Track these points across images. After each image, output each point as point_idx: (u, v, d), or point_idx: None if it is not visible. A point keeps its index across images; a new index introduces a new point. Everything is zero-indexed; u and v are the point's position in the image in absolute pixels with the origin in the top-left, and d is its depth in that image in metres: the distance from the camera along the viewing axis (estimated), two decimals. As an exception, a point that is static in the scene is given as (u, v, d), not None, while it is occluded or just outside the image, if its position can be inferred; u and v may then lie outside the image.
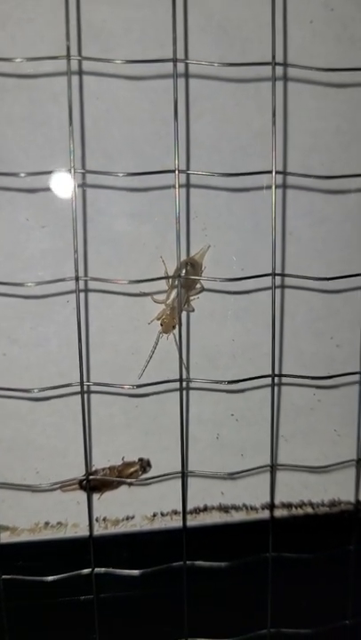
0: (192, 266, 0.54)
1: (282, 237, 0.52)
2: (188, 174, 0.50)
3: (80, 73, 0.49)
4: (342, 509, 0.56)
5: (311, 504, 0.56)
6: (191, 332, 0.55)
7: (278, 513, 0.56)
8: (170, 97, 0.37)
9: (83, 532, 0.53)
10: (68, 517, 0.53)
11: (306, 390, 0.55)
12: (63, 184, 0.50)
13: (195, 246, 0.53)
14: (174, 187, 0.38)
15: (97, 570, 0.44)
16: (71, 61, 0.36)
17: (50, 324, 0.52)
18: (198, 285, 0.55)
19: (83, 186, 0.49)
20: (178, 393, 0.54)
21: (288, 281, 0.54)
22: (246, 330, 0.55)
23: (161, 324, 0.54)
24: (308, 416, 0.56)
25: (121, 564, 0.47)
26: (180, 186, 0.40)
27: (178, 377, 0.54)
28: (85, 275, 0.50)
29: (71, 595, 0.52)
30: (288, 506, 0.56)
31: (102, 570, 0.45)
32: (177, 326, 0.55)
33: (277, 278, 0.53)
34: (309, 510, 0.56)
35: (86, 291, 0.52)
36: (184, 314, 0.54)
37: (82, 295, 0.53)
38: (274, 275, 0.43)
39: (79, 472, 0.52)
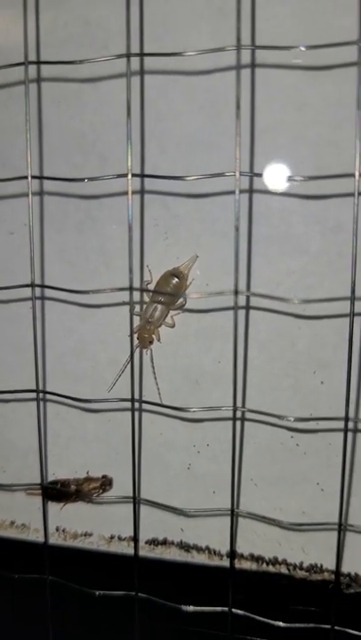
0: (177, 277, 0.50)
1: (248, 250, 0.45)
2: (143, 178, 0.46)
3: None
4: (325, 579, 0.47)
5: (287, 564, 0.48)
6: (173, 351, 0.50)
7: (246, 565, 0.48)
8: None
9: (43, 538, 0.52)
10: (31, 521, 0.54)
11: (285, 432, 0.47)
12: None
13: (156, 255, 0.50)
14: (127, 193, 0.35)
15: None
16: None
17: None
18: (181, 300, 0.50)
19: (41, 194, 0.48)
20: (146, 413, 0.51)
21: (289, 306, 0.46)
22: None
23: (138, 338, 0.50)
24: (288, 462, 0.47)
25: (74, 579, 0.46)
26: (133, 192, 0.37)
27: (152, 396, 0.51)
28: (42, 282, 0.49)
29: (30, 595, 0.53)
30: (258, 559, 0.48)
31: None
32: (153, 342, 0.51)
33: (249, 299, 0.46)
34: (284, 570, 0.48)
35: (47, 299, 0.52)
36: (165, 330, 0.50)
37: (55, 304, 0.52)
38: (236, 293, 0.38)
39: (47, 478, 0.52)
